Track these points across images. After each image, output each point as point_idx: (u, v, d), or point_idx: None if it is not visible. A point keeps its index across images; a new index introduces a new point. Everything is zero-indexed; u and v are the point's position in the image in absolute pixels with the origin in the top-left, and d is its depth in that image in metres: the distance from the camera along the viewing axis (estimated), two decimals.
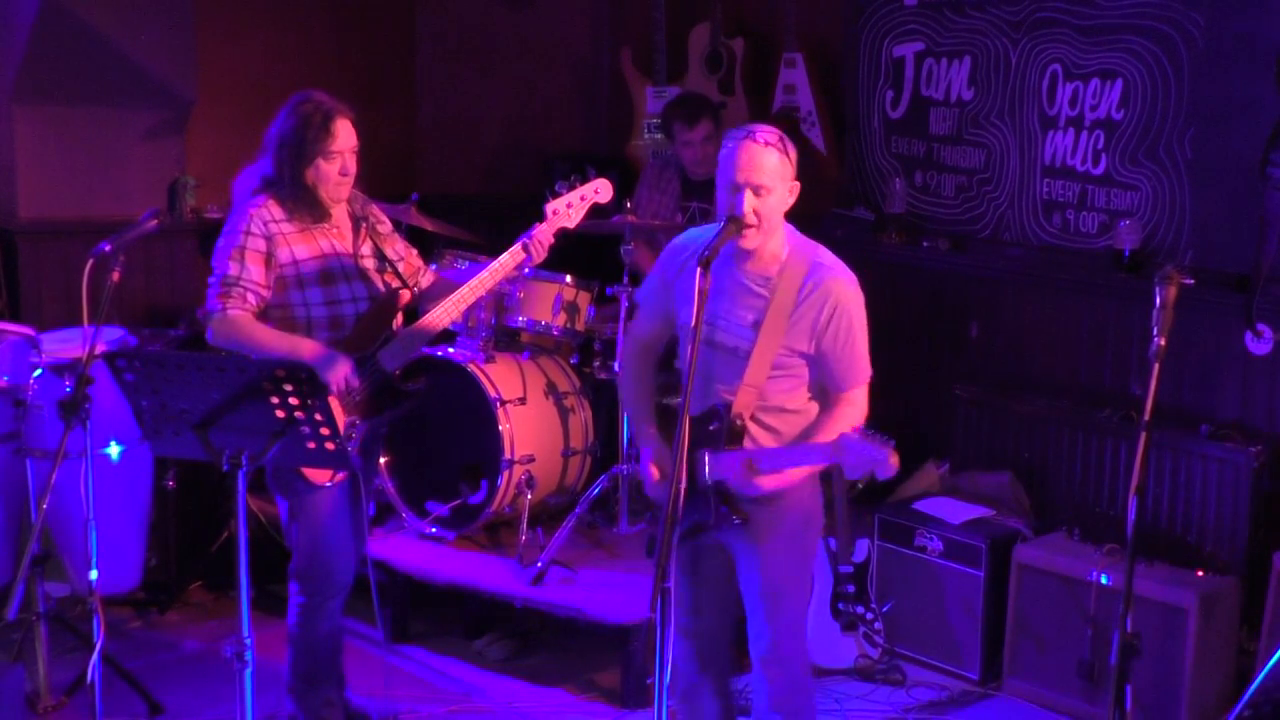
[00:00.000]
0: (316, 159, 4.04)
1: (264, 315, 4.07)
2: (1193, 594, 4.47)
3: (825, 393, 3.61)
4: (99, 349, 3.93)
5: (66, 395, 4.03)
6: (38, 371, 4.91)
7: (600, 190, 4.42)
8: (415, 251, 4.42)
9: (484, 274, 4.24)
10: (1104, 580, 4.61)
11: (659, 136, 6.40)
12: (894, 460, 3.27)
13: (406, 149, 7.20)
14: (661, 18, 6.76)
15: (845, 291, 3.51)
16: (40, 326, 5.26)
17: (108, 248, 3.91)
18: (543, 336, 5.54)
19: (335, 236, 4.16)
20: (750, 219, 3.43)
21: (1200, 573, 4.64)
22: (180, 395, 3.34)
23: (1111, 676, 3.16)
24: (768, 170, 3.43)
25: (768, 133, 3.49)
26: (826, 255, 3.57)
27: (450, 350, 5.33)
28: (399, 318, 4.25)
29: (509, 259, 4.24)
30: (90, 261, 3.88)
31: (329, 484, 4.09)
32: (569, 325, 5.44)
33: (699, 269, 3.28)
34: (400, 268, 4.29)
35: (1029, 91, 5.50)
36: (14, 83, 6.01)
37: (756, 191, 3.43)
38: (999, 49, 5.59)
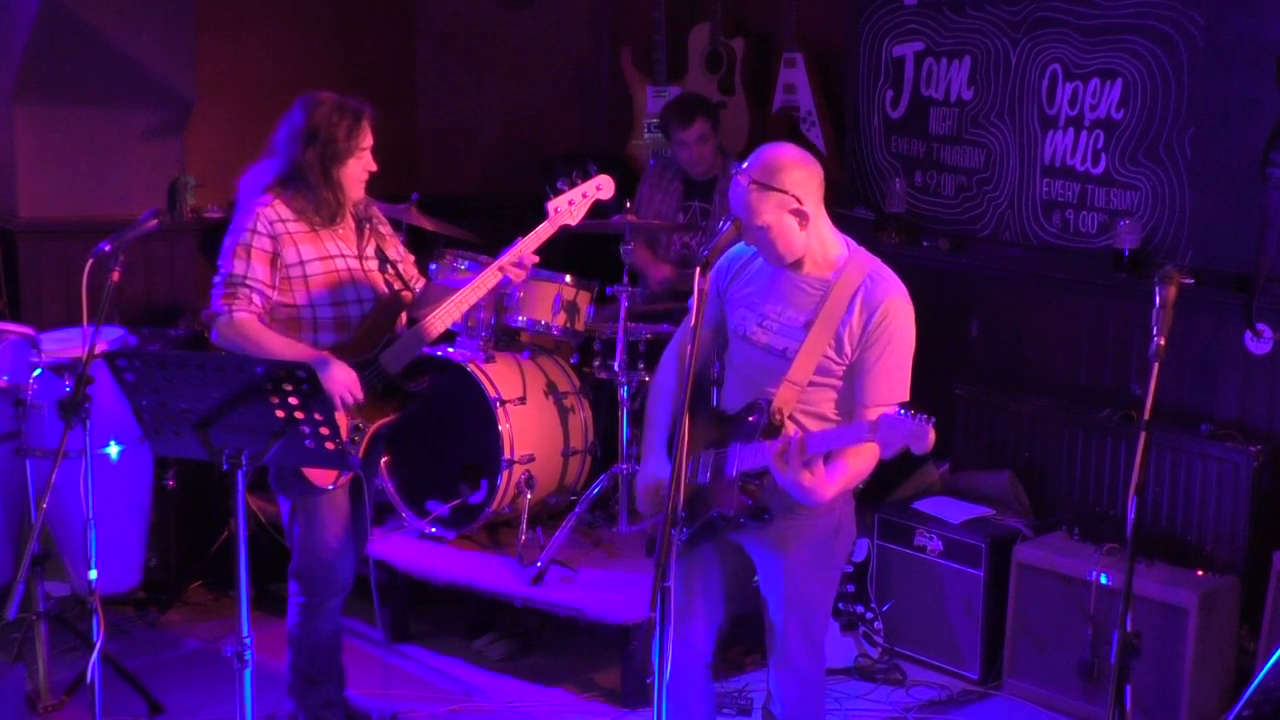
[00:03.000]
0: (349, 158, 4.06)
1: (270, 316, 4.08)
2: (1193, 594, 4.47)
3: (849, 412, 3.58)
4: (99, 349, 3.93)
5: (66, 395, 4.03)
6: (38, 371, 4.91)
7: (602, 187, 4.42)
8: (412, 259, 4.42)
9: (485, 274, 4.24)
10: (1104, 580, 4.61)
11: (659, 136, 6.40)
12: (930, 433, 3.22)
13: (406, 149, 7.19)
14: (661, 18, 6.76)
15: (895, 304, 3.49)
16: (40, 326, 5.26)
17: (108, 248, 3.90)
18: (543, 336, 5.54)
19: (341, 238, 4.17)
20: (764, 246, 3.49)
21: (1200, 572, 4.64)
22: (180, 395, 3.34)
23: (1111, 676, 3.15)
24: (749, 206, 3.44)
25: (747, 168, 3.48)
26: (885, 269, 3.57)
27: (450, 350, 5.33)
28: (401, 319, 4.25)
29: (496, 273, 4.24)
30: (90, 261, 3.88)
31: (332, 487, 4.09)
32: (569, 325, 5.44)
33: (699, 270, 3.29)
34: (401, 269, 4.29)
35: (1029, 91, 5.50)
36: (14, 83, 6.01)
37: (749, 227, 3.46)
38: (999, 49, 5.59)
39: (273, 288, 4.04)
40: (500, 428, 5.15)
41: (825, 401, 3.54)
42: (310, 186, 4.06)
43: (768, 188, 3.43)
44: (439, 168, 7.26)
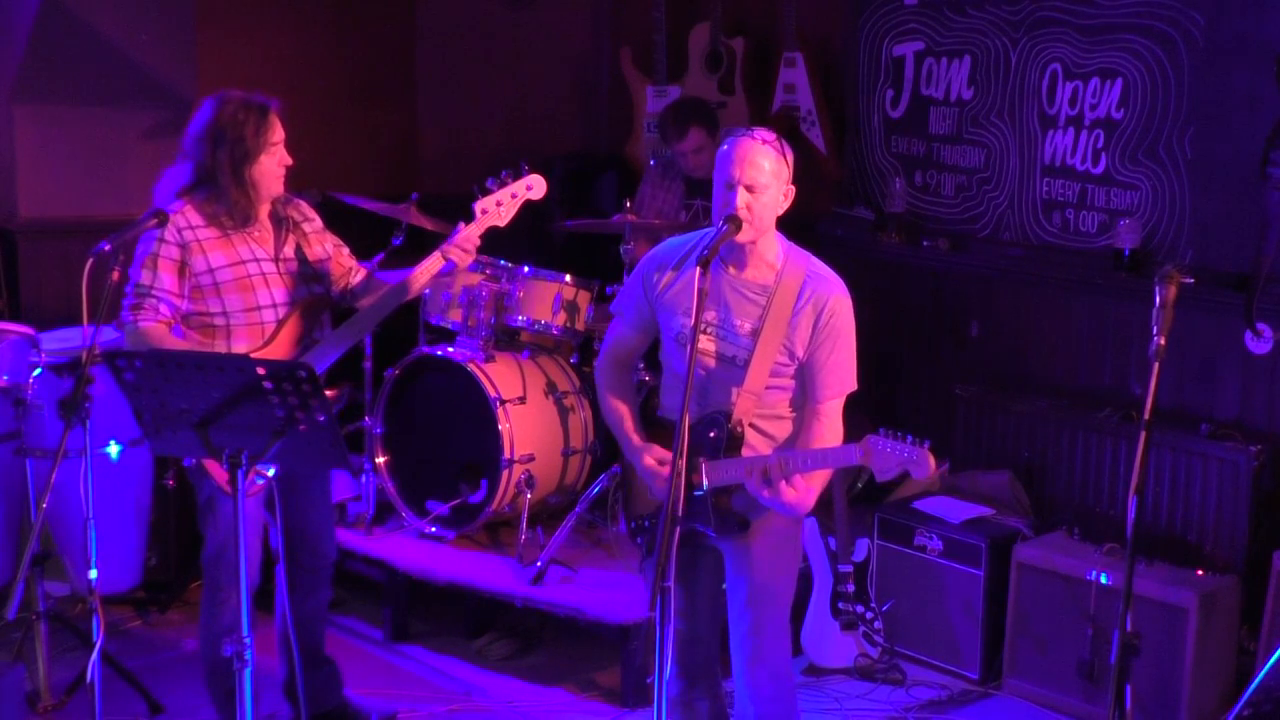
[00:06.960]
0: (260, 155, 4.02)
1: (186, 323, 4.06)
2: (1193, 594, 4.47)
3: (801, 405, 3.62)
4: (99, 348, 3.92)
5: (66, 395, 4.02)
6: (38, 371, 4.91)
7: (533, 186, 4.31)
8: (346, 250, 4.35)
9: (405, 281, 4.18)
10: (1104, 580, 4.61)
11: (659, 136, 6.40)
12: (931, 459, 3.26)
13: (406, 149, 7.19)
14: (661, 17, 6.76)
15: (839, 301, 3.54)
16: (40, 326, 5.26)
17: (108, 247, 3.89)
18: (543, 336, 5.54)
19: (256, 241, 4.12)
20: (743, 214, 3.44)
21: (1200, 572, 4.64)
22: (180, 394, 3.34)
23: (1111, 676, 3.16)
24: (763, 168, 3.46)
25: (765, 133, 3.53)
26: (820, 265, 3.61)
27: (450, 349, 5.33)
28: (323, 321, 4.22)
29: (430, 265, 4.16)
30: (90, 261, 3.87)
31: (226, 483, 4.03)
32: (569, 324, 5.43)
33: (698, 268, 3.29)
34: (328, 267, 4.25)
35: (1029, 91, 5.50)
36: (14, 83, 6.01)
37: (750, 189, 3.45)
38: (999, 48, 5.59)
39: (181, 296, 4.02)
40: (500, 427, 5.15)
41: (780, 403, 3.58)
42: (221, 189, 4.04)
43: (781, 153, 3.51)
44: (439, 168, 7.25)
